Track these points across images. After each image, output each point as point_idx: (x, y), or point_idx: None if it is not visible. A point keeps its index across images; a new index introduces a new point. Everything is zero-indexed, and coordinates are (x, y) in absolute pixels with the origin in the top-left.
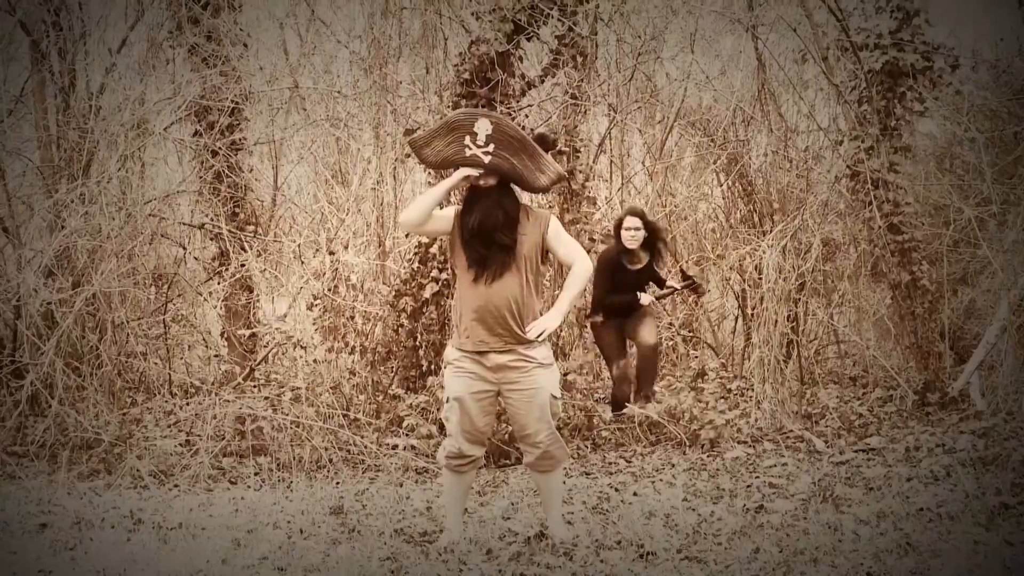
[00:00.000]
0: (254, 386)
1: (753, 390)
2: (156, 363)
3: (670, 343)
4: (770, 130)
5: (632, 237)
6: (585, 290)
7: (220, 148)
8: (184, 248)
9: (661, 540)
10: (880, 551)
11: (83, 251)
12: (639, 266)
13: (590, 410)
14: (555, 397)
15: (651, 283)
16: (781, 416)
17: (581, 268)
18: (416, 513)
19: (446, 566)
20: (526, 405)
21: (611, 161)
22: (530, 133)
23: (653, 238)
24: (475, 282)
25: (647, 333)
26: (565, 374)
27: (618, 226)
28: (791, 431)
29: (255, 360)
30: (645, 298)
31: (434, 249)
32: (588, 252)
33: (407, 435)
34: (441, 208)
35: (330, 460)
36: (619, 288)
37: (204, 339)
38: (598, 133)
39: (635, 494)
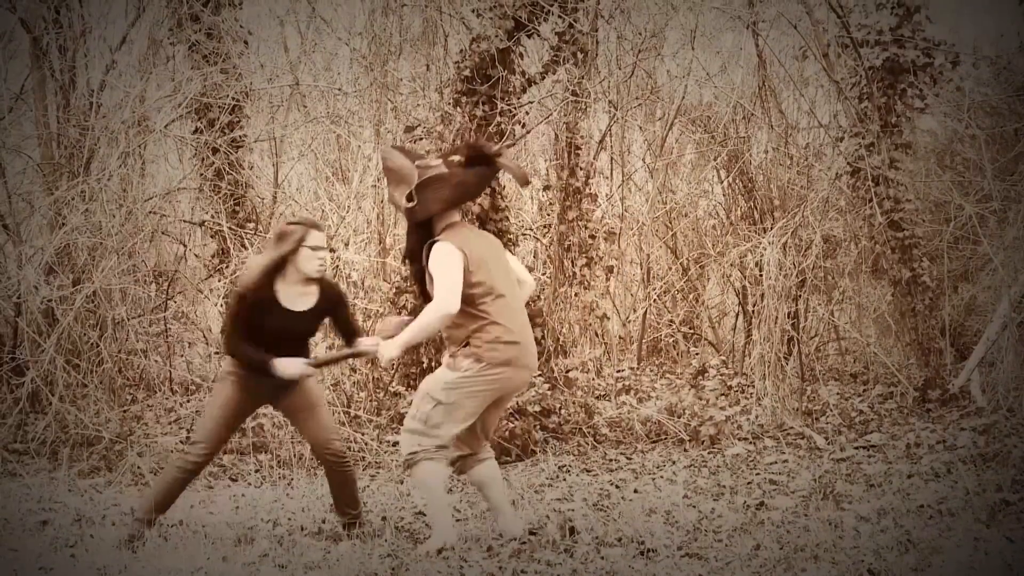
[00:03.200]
0: None
1: (754, 387)
2: (156, 360)
3: (671, 340)
4: (771, 127)
5: (321, 262)
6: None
7: (220, 145)
8: (184, 245)
9: (662, 537)
10: (881, 548)
11: (83, 248)
12: (308, 307)
13: (591, 407)
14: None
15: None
16: (782, 413)
17: (429, 309)
18: (417, 510)
19: (447, 563)
20: None
21: (612, 158)
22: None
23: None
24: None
25: (322, 429)
26: (567, 371)
27: (297, 243)
28: (792, 428)
29: None
30: (293, 365)
31: None
32: (588, 249)
33: None
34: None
35: None
36: (268, 336)
37: (205, 336)
38: (599, 130)
39: (636, 491)
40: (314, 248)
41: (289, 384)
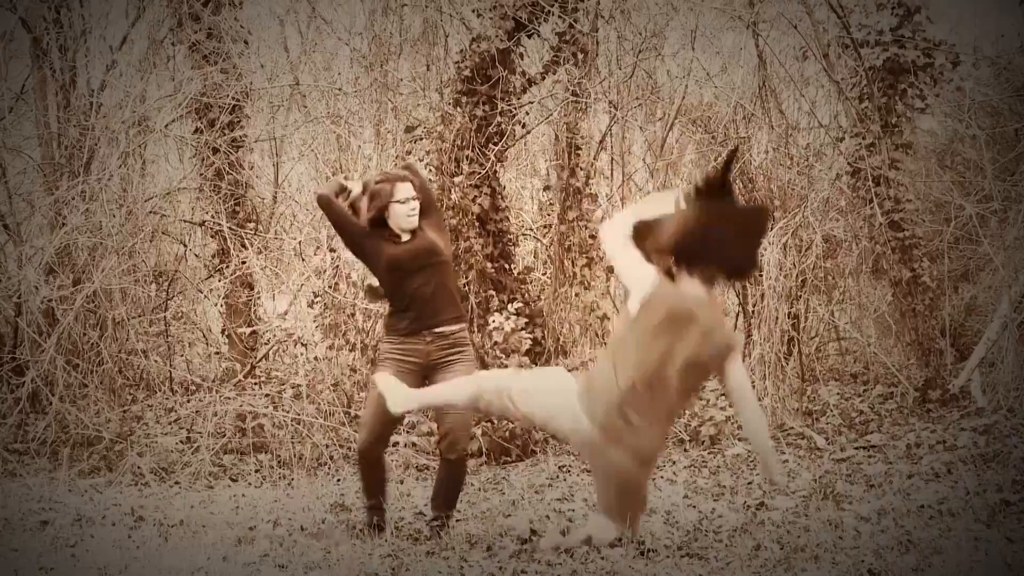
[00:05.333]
0: (255, 383)
1: (754, 387)
2: (157, 360)
3: None
4: (771, 127)
5: (411, 213)
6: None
7: (221, 145)
8: (185, 245)
9: (662, 537)
10: (881, 548)
11: (84, 248)
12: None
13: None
14: None
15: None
16: (782, 413)
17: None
18: (417, 510)
19: (447, 563)
20: None
21: (612, 158)
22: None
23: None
24: None
25: (452, 423)
26: (569, 371)
27: (387, 200)
28: (792, 428)
29: (256, 357)
30: None
31: None
32: (588, 249)
33: (408, 432)
34: None
35: (331, 457)
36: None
37: (205, 336)
38: (599, 130)
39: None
40: (403, 201)
41: (438, 364)
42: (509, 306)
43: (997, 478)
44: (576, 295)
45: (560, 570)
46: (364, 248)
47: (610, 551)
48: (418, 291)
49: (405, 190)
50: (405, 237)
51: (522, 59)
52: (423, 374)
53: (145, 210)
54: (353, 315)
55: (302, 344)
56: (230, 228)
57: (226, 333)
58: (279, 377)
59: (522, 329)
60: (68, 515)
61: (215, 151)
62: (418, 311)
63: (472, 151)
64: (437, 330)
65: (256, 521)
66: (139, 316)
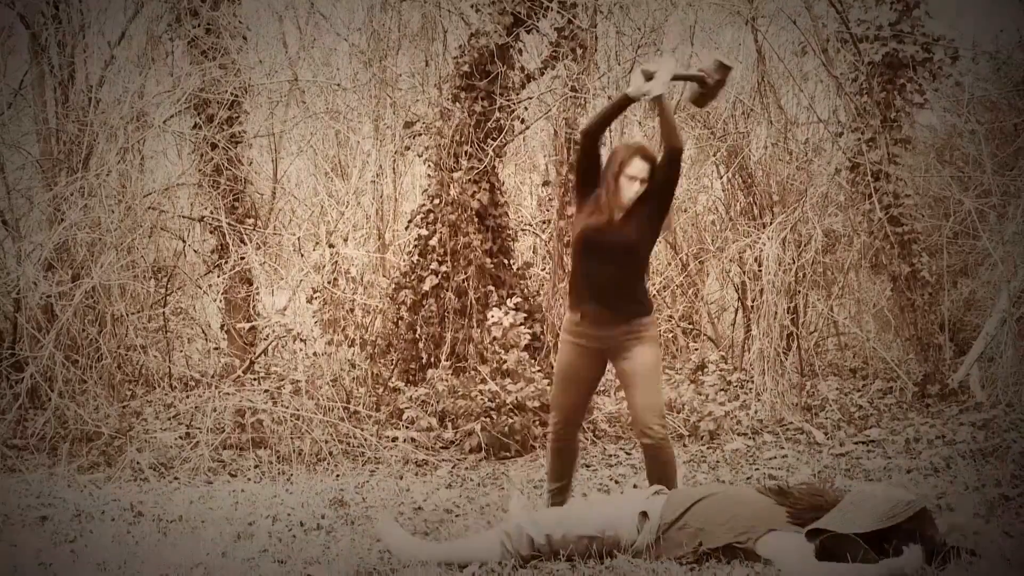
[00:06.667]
0: (254, 379)
1: (753, 382)
2: (156, 356)
3: (670, 335)
4: (770, 122)
5: (633, 193)
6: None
7: (219, 141)
8: (184, 241)
9: None
10: None
11: (82, 244)
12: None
13: (591, 403)
14: None
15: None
16: (781, 408)
17: None
18: (416, 505)
19: None
20: None
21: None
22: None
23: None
24: None
25: (640, 405)
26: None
27: (619, 166)
28: (791, 423)
29: (255, 353)
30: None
31: (433, 242)
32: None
33: (407, 428)
34: None
35: (330, 453)
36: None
37: (204, 332)
38: None
39: (635, 486)
40: (630, 178)
41: (621, 343)
42: (508, 301)
43: (996, 473)
44: None
45: (559, 566)
46: (583, 196)
47: None
48: (600, 278)
49: (638, 168)
50: (617, 215)
51: (521, 54)
52: (601, 357)
53: (144, 206)
54: (352, 310)
55: (301, 340)
56: (229, 224)
57: (225, 329)
58: (278, 373)
59: (521, 324)
60: (67, 510)
61: (214, 147)
62: (597, 300)
63: (471, 147)
64: (614, 322)
65: (255, 516)
66: (138, 312)
